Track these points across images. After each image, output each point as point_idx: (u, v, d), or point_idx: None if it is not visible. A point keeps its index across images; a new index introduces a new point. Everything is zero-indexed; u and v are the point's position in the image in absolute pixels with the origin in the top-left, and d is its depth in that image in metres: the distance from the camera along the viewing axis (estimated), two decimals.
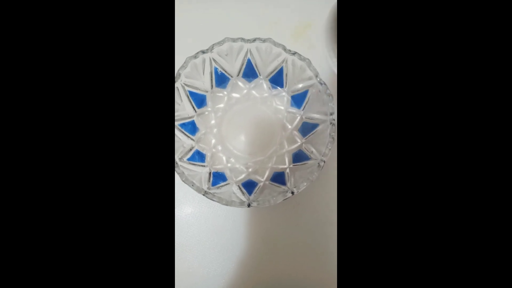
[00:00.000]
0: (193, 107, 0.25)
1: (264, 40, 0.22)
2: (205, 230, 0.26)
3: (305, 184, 0.21)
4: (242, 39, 0.22)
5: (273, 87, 0.26)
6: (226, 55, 0.24)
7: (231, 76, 0.26)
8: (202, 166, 0.24)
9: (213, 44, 0.22)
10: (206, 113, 0.26)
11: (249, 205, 0.21)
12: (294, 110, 0.26)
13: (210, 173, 0.24)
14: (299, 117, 0.26)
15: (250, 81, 0.27)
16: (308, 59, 0.22)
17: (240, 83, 0.27)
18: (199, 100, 0.26)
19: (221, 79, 0.26)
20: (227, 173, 0.25)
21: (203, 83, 0.25)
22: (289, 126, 0.26)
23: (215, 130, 0.26)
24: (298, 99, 0.26)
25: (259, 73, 0.26)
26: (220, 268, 0.26)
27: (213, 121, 0.26)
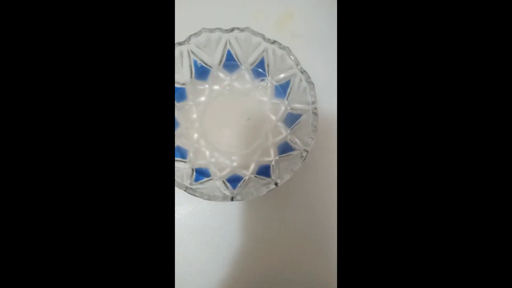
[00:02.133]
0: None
1: (242, 30, 0.22)
2: (192, 226, 0.26)
3: (289, 174, 0.21)
4: (220, 29, 0.22)
5: (255, 78, 0.26)
6: (204, 46, 0.23)
7: (211, 68, 0.25)
8: (184, 162, 0.24)
9: (190, 35, 0.22)
10: (187, 107, 0.25)
11: (232, 199, 0.20)
12: (278, 101, 0.26)
13: (193, 169, 0.23)
14: (283, 108, 0.26)
15: (231, 72, 0.26)
16: (288, 47, 0.22)
17: (221, 75, 0.26)
18: (179, 94, 0.25)
19: (201, 71, 0.25)
20: (211, 169, 0.25)
21: (183, 76, 0.24)
22: (274, 118, 0.26)
23: (197, 124, 0.26)
24: (281, 90, 0.25)
25: (240, 64, 0.25)
26: (209, 265, 0.25)
27: (194, 115, 0.26)
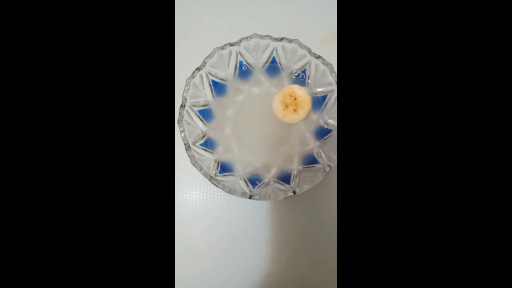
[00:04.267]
0: (213, 95, 0.26)
1: (291, 41, 0.23)
2: (205, 220, 0.27)
3: (308, 186, 0.22)
4: (270, 37, 0.23)
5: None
6: (252, 50, 0.24)
7: (254, 69, 0.27)
8: (212, 153, 0.25)
9: (241, 38, 0.23)
10: (225, 103, 0.27)
11: (250, 197, 0.22)
12: (312, 112, 0.26)
13: (218, 161, 0.25)
14: (315, 120, 0.26)
15: (272, 77, 0.27)
16: (331, 64, 0.22)
17: (262, 78, 0.27)
18: (220, 89, 0.26)
19: (244, 72, 0.27)
20: (236, 164, 0.26)
21: (227, 74, 0.26)
22: (304, 128, 0.27)
23: (231, 121, 0.27)
24: (316, 102, 0.26)
25: (282, 70, 0.26)
26: (216, 263, 0.27)
27: (230, 112, 0.27)
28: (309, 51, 0.23)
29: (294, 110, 0.24)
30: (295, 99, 0.24)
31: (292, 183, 0.24)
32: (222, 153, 0.26)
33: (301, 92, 0.24)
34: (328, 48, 0.28)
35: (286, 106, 0.24)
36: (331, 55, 0.28)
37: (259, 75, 0.27)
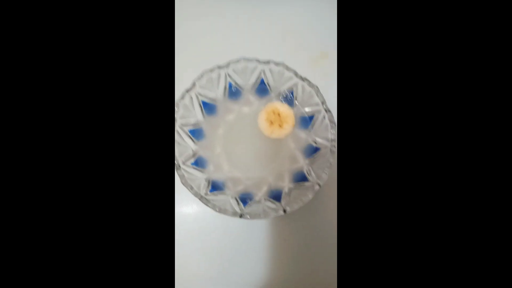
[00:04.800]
0: (203, 115, 0.27)
1: (277, 64, 0.24)
2: (202, 234, 0.27)
3: (298, 204, 0.22)
4: (257, 60, 0.24)
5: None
6: (241, 72, 0.25)
7: (243, 90, 0.27)
8: (202, 172, 0.25)
9: (229, 61, 0.24)
10: (216, 122, 0.28)
11: (241, 216, 0.22)
12: (300, 131, 0.27)
13: (209, 180, 0.25)
14: (304, 138, 0.27)
15: (261, 97, 0.28)
16: (317, 86, 0.23)
17: (252, 98, 0.28)
18: (210, 109, 0.27)
19: (234, 93, 0.27)
20: (227, 183, 0.26)
21: (216, 94, 0.27)
22: (293, 145, 0.27)
23: (221, 139, 0.28)
24: (304, 121, 0.27)
25: (271, 91, 0.27)
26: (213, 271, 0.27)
27: (221, 131, 0.28)
28: (295, 74, 0.24)
29: (280, 125, 0.25)
30: (279, 115, 0.25)
31: (282, 201, 0.24)
32: (213, 172, 0.26)
33: (283, 108, 0.25)
34: (318, 68, 0.29)
35: (272, 123, 0.25)
36: (321, 75, 0.29)
37: (249, 95, 0.28)
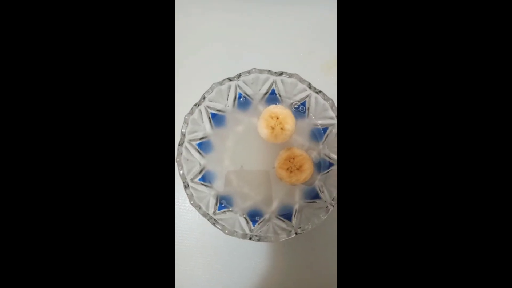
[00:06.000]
0: (212, 126, 0.26)
1: (291, 75, 0.22)
2: (204, 255, 0.27)
3: (310, 226, 0.21)
4: (269, 71, 0.23)
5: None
6: (251, 83, 0.24)
7: (253, 100, 0.26)
8: (211, 187, 0.24)
9: (241, 73, 0.23)
10: (225, 133, 0.27)
11: (250, 238, 0.21)
12: (313, 143, 0.26)
13: (217, 196, 0.24)
14: (317, 152, 0.26)
15: None
16: (332, 100, 0.22)
17: (261, 108, 0.27)
18: (219, 120, 0.26)
19: (243, 104, 0.26)
20: (235, 198, 0.25)
21: (226, 105, 0.25)
22: None
23: (230, 151, 0.27)
24: (317, 134, 0.25)
25: (282, 102, 0.26)
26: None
27: (230, 143, 0.27)
28: (309, 86, 0.22)
29: (281, 128, 0.24)
30: (277, 118, 0.23)
31: (293, 220, 0.23)
32: (221, 186, 0.26)
33: (279, 109, 0.24)
34: (330, 77, 0.28)
35: (273, 128, 0.24)
36: (332, 84, 0.27)
37: (259, 106, 0.27)
